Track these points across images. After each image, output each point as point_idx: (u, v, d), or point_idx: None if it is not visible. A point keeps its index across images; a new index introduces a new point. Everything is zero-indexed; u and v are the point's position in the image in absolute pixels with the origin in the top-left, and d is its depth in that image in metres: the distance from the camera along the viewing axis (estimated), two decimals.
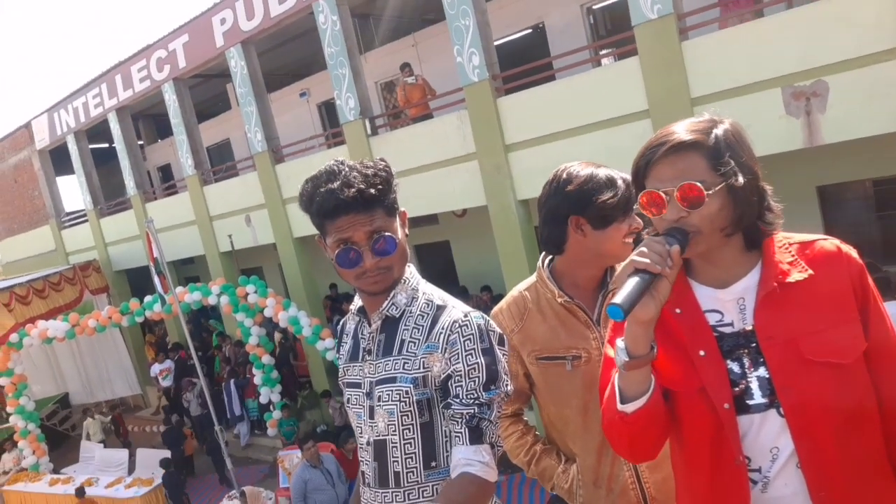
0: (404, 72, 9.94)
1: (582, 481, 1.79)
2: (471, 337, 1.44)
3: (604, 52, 9.39)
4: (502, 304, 1.87)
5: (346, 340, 1.68)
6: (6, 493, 10.75)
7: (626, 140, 6.54)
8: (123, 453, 11.51)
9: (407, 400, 1.47)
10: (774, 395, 1.20)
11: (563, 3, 10.14)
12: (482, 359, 1.43)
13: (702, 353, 1.24)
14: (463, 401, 1.41)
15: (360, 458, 1.63)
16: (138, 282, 14.78)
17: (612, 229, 1.66)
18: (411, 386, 1.46)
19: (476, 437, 1.39)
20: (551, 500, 1.92)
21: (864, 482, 1.20)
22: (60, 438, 14.30)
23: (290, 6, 9.58)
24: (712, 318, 1.27)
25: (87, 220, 15.61)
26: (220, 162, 15.18)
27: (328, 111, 13.77)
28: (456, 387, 1.43)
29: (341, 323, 1.75)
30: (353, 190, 1.41)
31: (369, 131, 9.32)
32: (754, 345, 1.23)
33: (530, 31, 11.01)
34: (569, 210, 1.68)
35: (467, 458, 1.37)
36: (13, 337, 11.62)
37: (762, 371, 1.22)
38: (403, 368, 1.48)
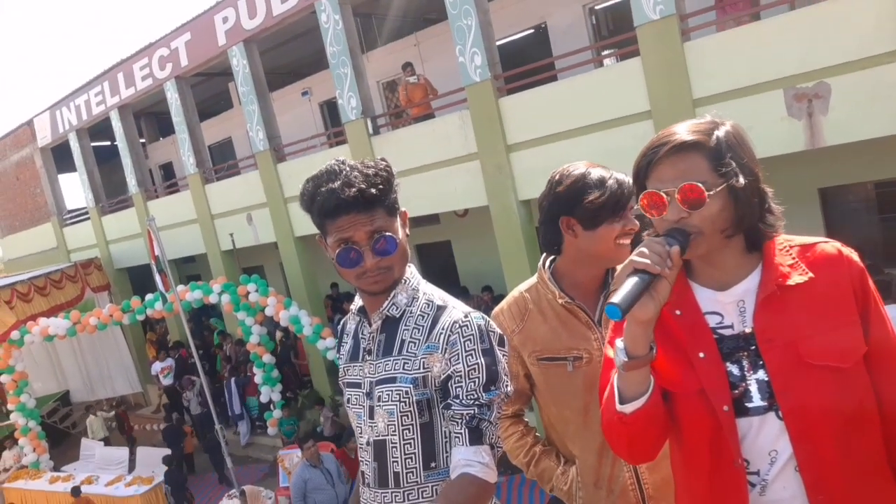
0: (406, 71, 9.94)
1: (582, 482, 1.78)
2: (471, 337, 1.44)
3: (606, 52, 9.40)
4: (503, 304, 1.87)
5: (347, 340, 1.68)
6: (6, 491, 10.74)
7: (627, 141, 6.54)
8: (124, 451, 11.48)
9: (407, 400, 1.47)
10: (773, 398, 1.20)
11: (566, 4, 10.13)
12: (482, 359, 1.43)
13: (701, 355, 1.24)
14: (463, 401, 1.41)
15: (360, 458, 1.62)
16: (139, 280, 14.82)
17: (603, 230, 1.66)
18: (411, 386, 1.46)
19: (476, 437, 1.39)
20: (550, 502, 1.92)
21: (863, 485, 1.20)
22: (61, 436, 14.31)
23: (292, 5, 9.58)
24: (712, 321, 1.27)
25: (88, 218, 15.63)
26: (221, 160, 15.18)
27: (330, 110, 13.77)
28: (456, 387, 1.42)
29: (342, 323, 1.74)
30: (353, 189, 1.41)
31: (371, 131, 9.32)
32: (754, 347, 1.22)
33: (532, 31, 11.00)
34: (559, 210, 1.69)
35: (467, 459, 1.37)
36: (14, 334, 11.63)
37: (761, 374, 1.21)
38: (403, 369, 1.48)
